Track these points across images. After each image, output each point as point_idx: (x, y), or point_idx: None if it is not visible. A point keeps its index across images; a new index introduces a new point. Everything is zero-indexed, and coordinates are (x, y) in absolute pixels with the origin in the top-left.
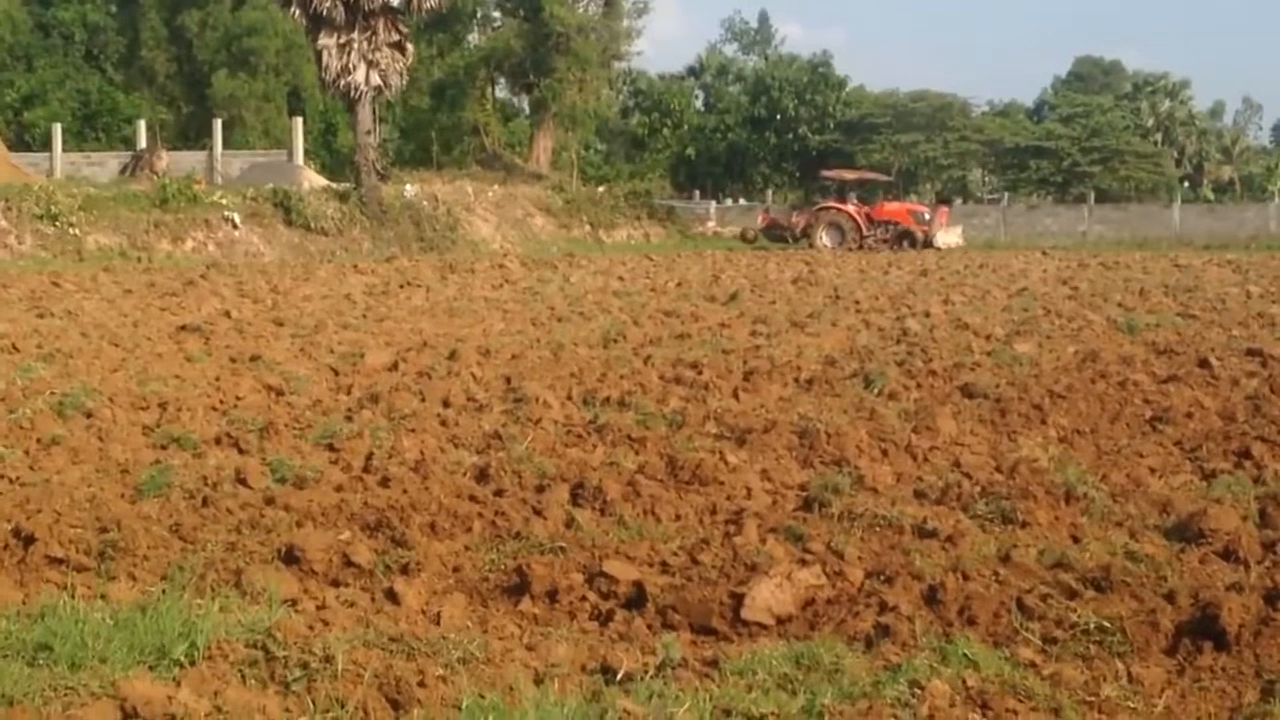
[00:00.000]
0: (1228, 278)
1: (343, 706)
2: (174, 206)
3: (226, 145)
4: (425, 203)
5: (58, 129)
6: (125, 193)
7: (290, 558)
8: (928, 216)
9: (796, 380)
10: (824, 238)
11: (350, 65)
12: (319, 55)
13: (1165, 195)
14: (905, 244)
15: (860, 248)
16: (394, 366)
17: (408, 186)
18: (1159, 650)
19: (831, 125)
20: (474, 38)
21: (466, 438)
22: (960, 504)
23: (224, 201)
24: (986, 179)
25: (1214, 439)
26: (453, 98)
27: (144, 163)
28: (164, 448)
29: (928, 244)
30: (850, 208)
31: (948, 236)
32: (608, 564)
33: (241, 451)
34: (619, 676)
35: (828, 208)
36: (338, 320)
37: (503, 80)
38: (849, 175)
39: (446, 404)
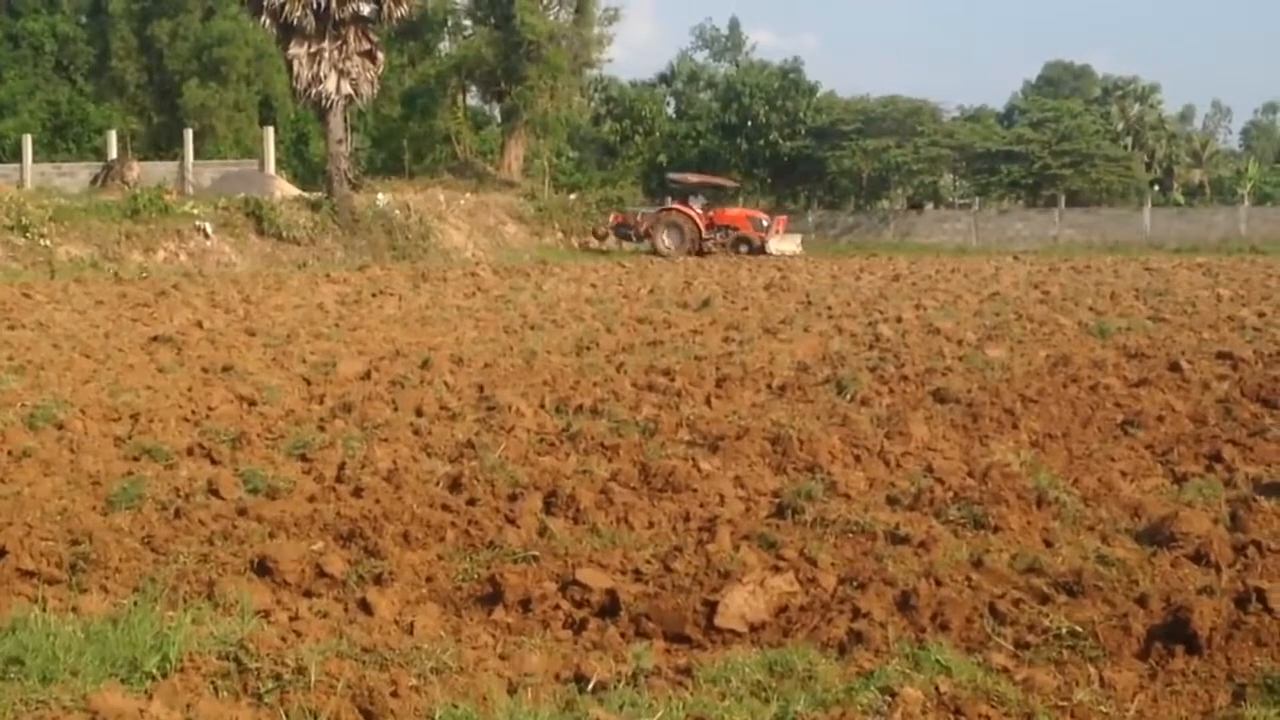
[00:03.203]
0: (1198, 281)
1: (315, 718)
2: (145, 217)
3: (198, 155)
4: (397, 211)
5: (28, 140)
6: (96, 203)
7: (263, 569)
8: (765, 223)
9: (769, 387)
10: (665, 238)
11: (321, 74)
12: (290, 64)
13: (1135, 199)
14: (743, 249)
15: (699, 251)
16: (366, 376)
17: (380, 195)
18: (1131, 654)
19: (802, 131)
20: (445, 46)
21: (439, 447)
22: (932, 509)
23: (195, 211)
24: (957, 183)
25: (1185, 442)
26: (424, 106)
27: (115, 173)
28: (136, 459)
29: (762, 250)
30: (692, 211)
31: (782, 244)
32: (581, 572)
33: (214, 462)
34: (592, 685)
35: (670, 209)
36: (310, 330)
37: (474, 88)
38: (693, 179)
39: (419, 413)
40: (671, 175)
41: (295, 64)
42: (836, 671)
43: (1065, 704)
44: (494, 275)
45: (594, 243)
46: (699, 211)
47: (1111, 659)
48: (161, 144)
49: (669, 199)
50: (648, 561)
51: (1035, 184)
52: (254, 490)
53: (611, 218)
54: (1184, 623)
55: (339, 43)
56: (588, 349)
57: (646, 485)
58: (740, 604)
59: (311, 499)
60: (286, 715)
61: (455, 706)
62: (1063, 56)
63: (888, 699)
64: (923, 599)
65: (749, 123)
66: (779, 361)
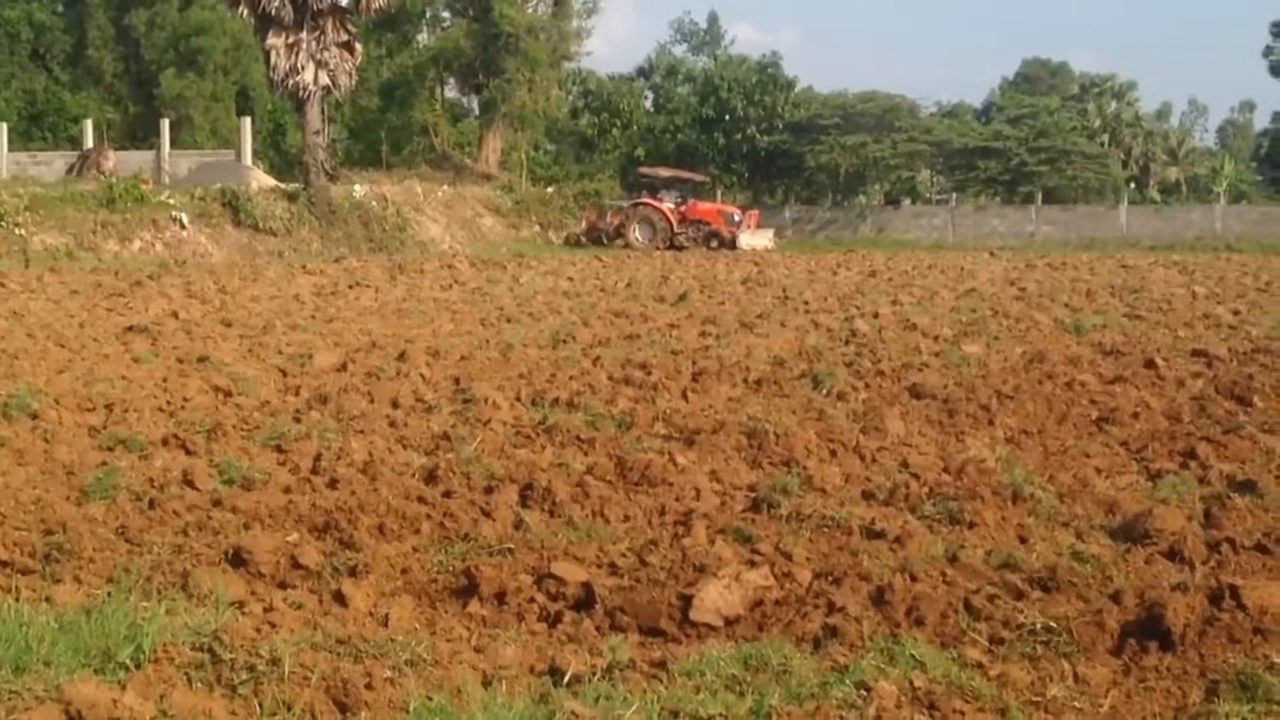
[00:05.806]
0: (1174, 278)
1: (290, 709)
2: (121, 206)
3: (174, 145)
4: (374, 203)
5: (3, 128)
6: (72, 192)
7: (237, 560)
8: (737, 219)
9: (745, 381)
10: (636, 233)
11: (299, 65)
12: (267, 55)
13: (1112, 196)
14: (714, 243)
15: (671, 246)
16: (342, 367)
17: (357, 187)
18: (1105, 650)
19: (780, 126)
20: (423, 38)
21: (415, 439)
22: (908, 505)
23: (172, 201)
24: (935, 180)
25: (1160, 439)
26: (402, 98)
27: (91, 162)
28: (110, 449)
29: (733, 244)
30: (664, 205)
31: (753, 239)
32: (556, 565)
33: (189, 453)
34: (567, 678)
35: (642, 204)
36: (286, 321)
37: (452, 80)
38: (663, 173)
39: (395, 405)
40: (643, 170)
41: (273, 54)
42: (811, 666)
43: (1039, 699)
44: (471, 268)
45: (584, 240)
46: (671, 206)
47: (1085, 655)
48: (138, 133)
49: (642, 193)
50: (623, 555)
51: (1012, 180)
52: (229, 481)
53: (584, 214)
54: (1158, 619)
55: (317, 33)
56: (564, 342)
57: (622, 479)
58: (715, 598)
59: (287, 490)
60: (260, 706)
61: (429, 699)
62: (1040, 53)
63: (862, 694)
64: (898, 594)
65: (727, 117)
66: (755, 356)
